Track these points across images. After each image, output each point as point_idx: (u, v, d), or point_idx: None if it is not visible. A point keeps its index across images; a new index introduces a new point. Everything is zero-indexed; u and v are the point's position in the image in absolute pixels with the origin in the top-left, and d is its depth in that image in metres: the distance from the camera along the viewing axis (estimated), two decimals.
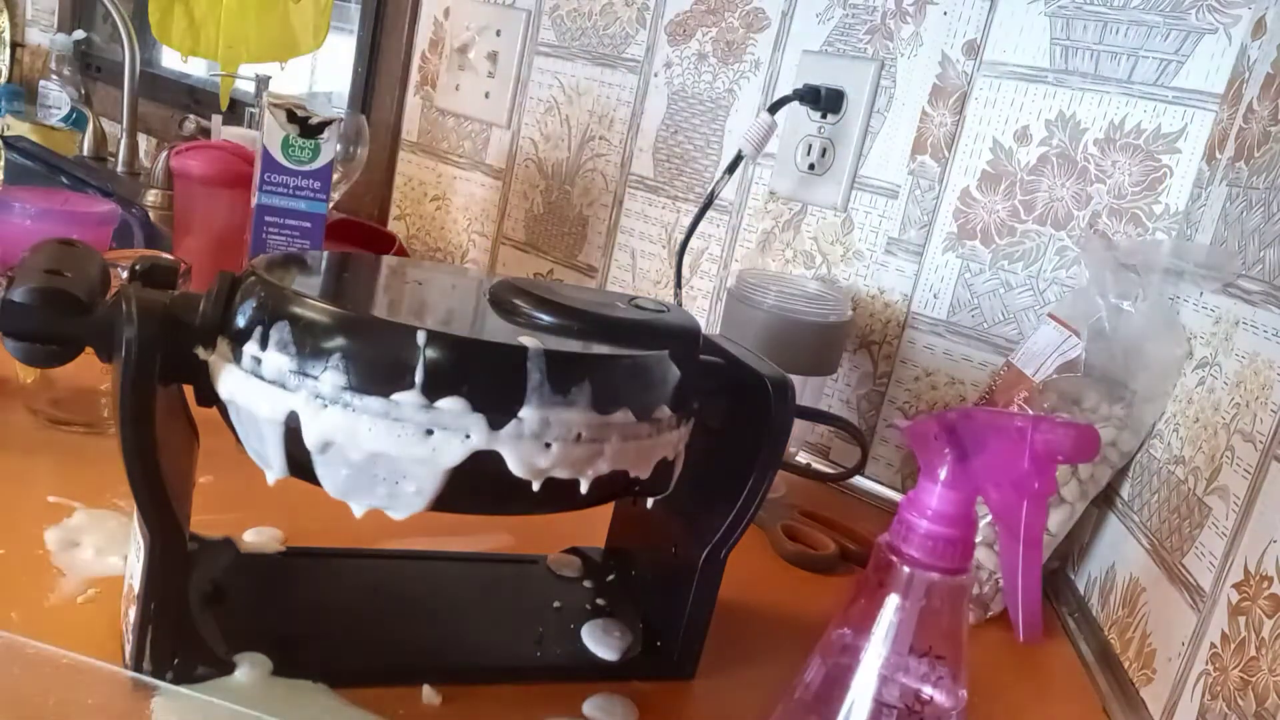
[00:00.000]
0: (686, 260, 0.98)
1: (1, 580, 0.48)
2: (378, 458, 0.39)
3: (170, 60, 1.66)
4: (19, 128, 1.32)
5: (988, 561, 0.64)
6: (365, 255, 0.54)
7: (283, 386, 0.39)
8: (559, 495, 0.42)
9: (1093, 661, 0.62)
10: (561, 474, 0.41)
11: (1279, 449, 0.49)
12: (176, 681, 0.42)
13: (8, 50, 1.90)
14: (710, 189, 0.88)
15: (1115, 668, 0.60)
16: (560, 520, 0.48)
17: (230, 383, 0.41)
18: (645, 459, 0.44)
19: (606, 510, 0.58)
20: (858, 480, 0.84)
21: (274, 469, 0.41)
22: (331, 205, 0.94)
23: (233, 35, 1.42)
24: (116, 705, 0.40)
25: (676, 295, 0.92)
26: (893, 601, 0.39)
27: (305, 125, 0.79)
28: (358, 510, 0.40)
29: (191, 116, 1.54)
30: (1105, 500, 0.69)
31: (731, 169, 0.87)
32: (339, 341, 0.39)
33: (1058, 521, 0.66)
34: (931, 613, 0.39)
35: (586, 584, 0.57)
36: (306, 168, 0.81)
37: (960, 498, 0.38)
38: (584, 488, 0.42)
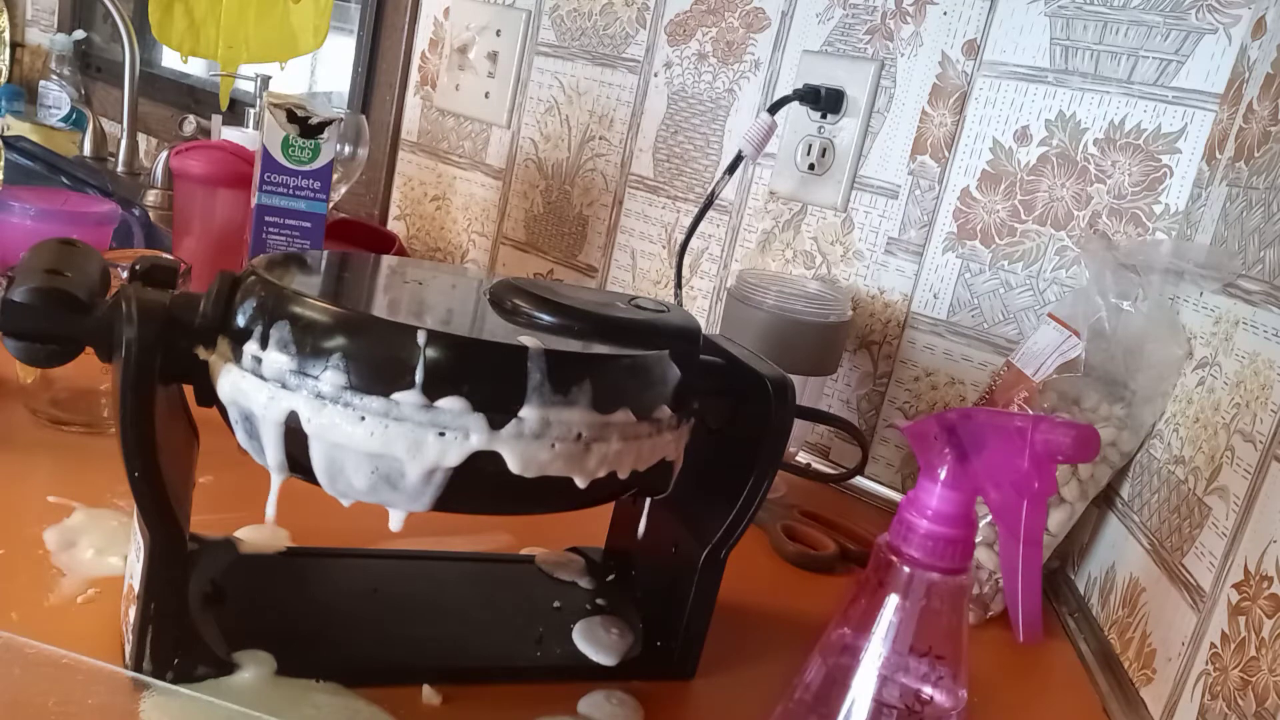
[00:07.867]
0: (686, 260, 0.98)
1: (1, 580, 0.48)
2: (378, 458, 0.39)
3: (170, 60, 1.66)
4: (19, 128, 1.33)
5: (988, 561, 0.64)
6: (365, 255, 0.54)
7: (283, 386, 0.39)
8: (559, 495, 0.42)
9: (1093, 661, 0.62)
10: (561, 474, 0.41)
11: (1279, 449, 0.49)
12: (176, 681, 0.42)
13: (8, 50, 1.90)
14: (710, 189, 0.88)
15: (1115, 668, 0.60)
16: (560, 520, 0.48)
17: (230, 383, 0.41)
18: (645, 459, 0.44)
19: (606, 510, 0.58)
20: (858, 480, 0.84)
21: (274, 469, 0.41)
22: (331, 205, 0.94)
23: (233, 35, 1.42)
24: (116, 705, 0.40)
25: (676, 295, 0.92)
26: (893, 601, 0.39)
27: (305, 125, 0.80)
28: (346, 503, 0.41)
29: (191, 116, 1.54)
30: (1105, 500, 0.69)
31: (731, 169, 0.87)
32: (339, 341, 0.39)
33: (1058, 521, 0.66)
34: (931, 613, 0.39)
35: (586, 584, 0.57)
36: (306, 168, 0.81)
37: (960, 498, 0.38)
38: (584, 487, 0.42)
